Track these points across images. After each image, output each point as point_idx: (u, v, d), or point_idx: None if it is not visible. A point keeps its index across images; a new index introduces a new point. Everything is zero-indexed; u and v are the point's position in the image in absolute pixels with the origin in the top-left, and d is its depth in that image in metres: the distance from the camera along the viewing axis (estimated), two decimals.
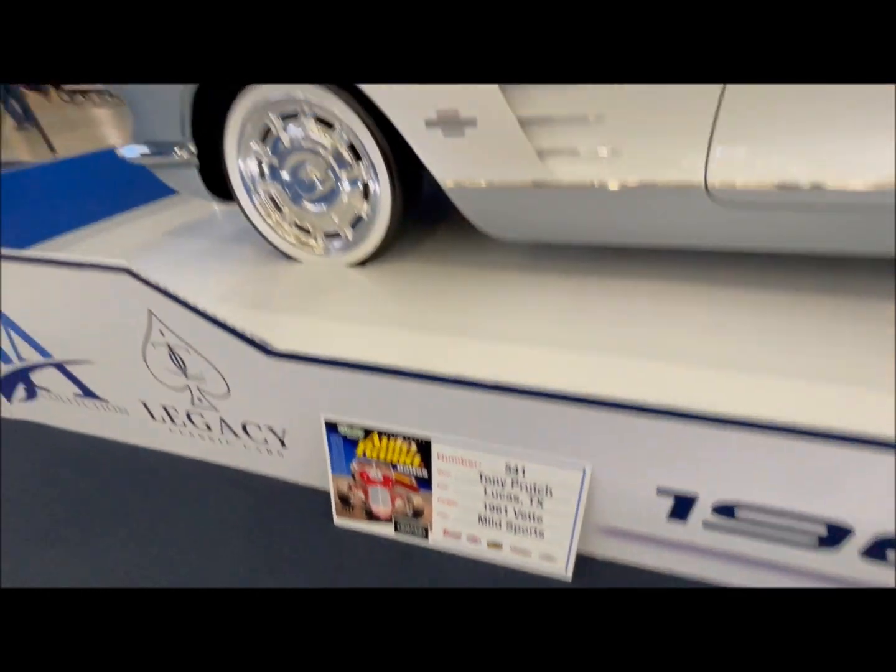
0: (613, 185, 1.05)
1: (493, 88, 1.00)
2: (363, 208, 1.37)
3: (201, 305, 0.85)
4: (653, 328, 1.08)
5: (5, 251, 0.92)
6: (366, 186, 1.33)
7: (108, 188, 2.02)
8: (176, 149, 1.35)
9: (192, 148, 1.34)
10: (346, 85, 1.13)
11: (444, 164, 1.14)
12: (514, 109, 1.02)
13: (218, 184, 1.45)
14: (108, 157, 2.02)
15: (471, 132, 1.07)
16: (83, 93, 9.28)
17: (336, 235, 1.46)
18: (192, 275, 1.47)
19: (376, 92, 1.09)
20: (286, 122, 1.30)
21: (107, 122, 6.90)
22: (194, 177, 1.41)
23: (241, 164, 1.39)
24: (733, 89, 0.91)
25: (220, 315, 0.86)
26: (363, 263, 1.47)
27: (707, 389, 0.86)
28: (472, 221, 1.24)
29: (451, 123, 1.07)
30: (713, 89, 0.92)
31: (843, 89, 0.86)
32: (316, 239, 1.48)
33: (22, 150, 5.10)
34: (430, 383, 0.78)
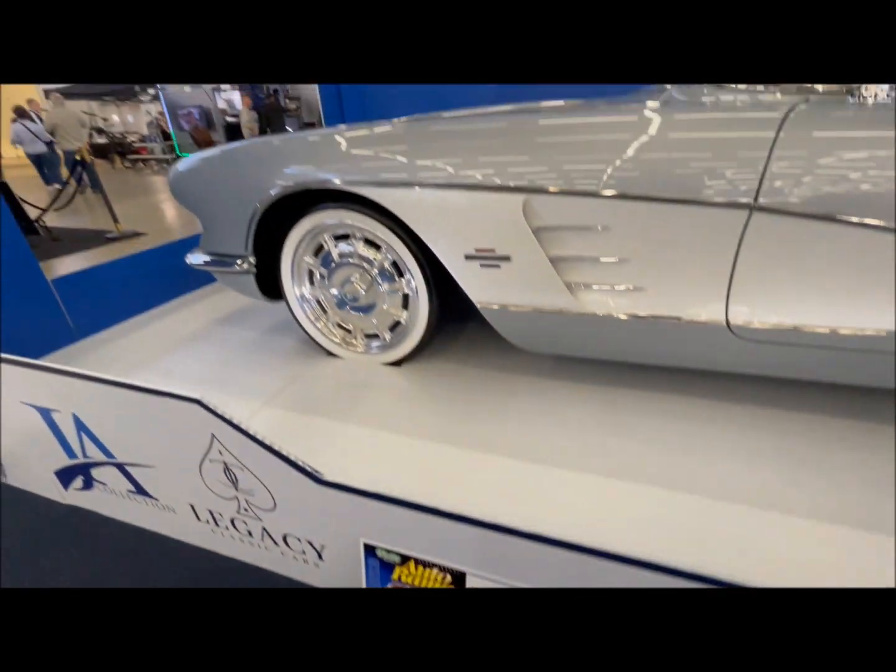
0: (637, 318, 1.12)
1: (527, 231, 1.12)
2: (402, 315, 1.48)
3: (261, 434, 0.93)
4: (667, 453, 1.11)
5: (89, 373, 1.04)
6: (405, 297, 1.45)
7: (164, 277, 2.22)
8: (238, 261, 1.50)
9: (252, 260, 1.49)
10: (393, 217, 1.27)
11: (480, 289, 1.24)
12: (546, 249, 1.13)
13: (268, 284, 1.58)
14: (160, 252, 2.24)
15: (506, 266, 1.18)
16: (144, 161, 10.24)
17: (375, 336, 1.57)
18: (243, 370, 1.59)
19: (421, 228, 1.22)
20: (338, 241, 1.45)
21: (162, 189, 7.55)
22: (250, 282, 1.56)
23: (294, 274, 1.53)
24: (751, 236, 0.99)
25: (270, 435, 0.94)
26: (399, 363, 1.56)
27: (725, 536, 0.90)
28: (503, 336, 1.32)
29: (487, 258, 1.18)
30: (732, 237, 1.00)
31: (850, 248, 0.93)
32: (356, 338, 1.59)
33: (85, 216, 5.60)
34: (467, 524, 0.83)
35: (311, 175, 1.29)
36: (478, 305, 1.27)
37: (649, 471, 1.07)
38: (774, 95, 1.06)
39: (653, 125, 1.02)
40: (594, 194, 1.04)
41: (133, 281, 2.07)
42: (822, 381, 1.11)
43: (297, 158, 1.33)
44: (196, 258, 1.61)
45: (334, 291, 1.51)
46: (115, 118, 12.23)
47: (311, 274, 1.54)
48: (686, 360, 1.21)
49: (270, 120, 8.39)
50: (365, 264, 1.45)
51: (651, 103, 1.13)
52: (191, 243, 2.32)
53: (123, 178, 8.76)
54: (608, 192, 1.03)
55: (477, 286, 1.24)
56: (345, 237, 1.44)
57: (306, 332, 1.61)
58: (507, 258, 1.17)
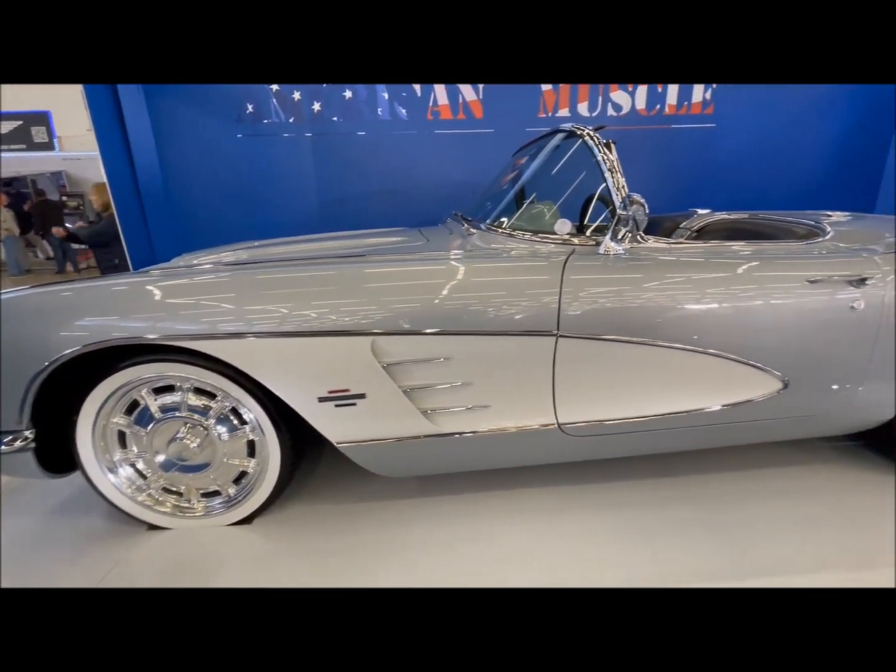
0: (486, 432, 1.24)
1: (378, 369, 1.15)
2: (249, 465, 1.31)
3: None
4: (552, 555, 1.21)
5: None
6: (251, 443, 1.30)
7: None
8: (7, 438, 1.15)
9: (30, 435, 1.16)
10: (229, 364, 1.16)
11: (336, 428, 1.21)
12: (399, 382, 1.18)
13: (49, 456, 1.23)
14: None
15: (362, 403, 1.18)
16: None
17: (216, 493, 1.35)
18: (22, 581, 1.15)
19: (266, 377, 1.15)
20: (159, 394, 1.25)
21: None
22: (26, 460, 1.20)
23: (96, 442, 1.24)
24: (561, 356, 1.21)
25: None
26: (249, 519, 1.36)
27: None
28: (363, 467, 1.29)
29: (342, 398, 1.17)
30: (547, 358, 1.21)
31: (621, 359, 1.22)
32: (190, 501, 1.34)
33: None
34: None
35: (127, 328, 1.11)
36: (336, 444, 1.22)
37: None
38: (548, 246, 1.36)
39: (469, 272, 1.21)
40: (431, 333, 1.15)
41: None
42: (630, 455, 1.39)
43: (100, 310, 1.13)
44: None
45: (157, 448, 1.26)
46: None
47: (121, 436, 1.27)
48: (529, 459, 1.37)
49: (46, 219, 6.98)
50: (195, 416, 1.27)
51: (465, 251, 1.35)
52: None
53: None
54: (443, 330, 1.15)
55: (333, 426, 1.20)
56: (168, 388, 1.25)
57: (118, 507, 1.29)
58: (362, 396, 1.17)
